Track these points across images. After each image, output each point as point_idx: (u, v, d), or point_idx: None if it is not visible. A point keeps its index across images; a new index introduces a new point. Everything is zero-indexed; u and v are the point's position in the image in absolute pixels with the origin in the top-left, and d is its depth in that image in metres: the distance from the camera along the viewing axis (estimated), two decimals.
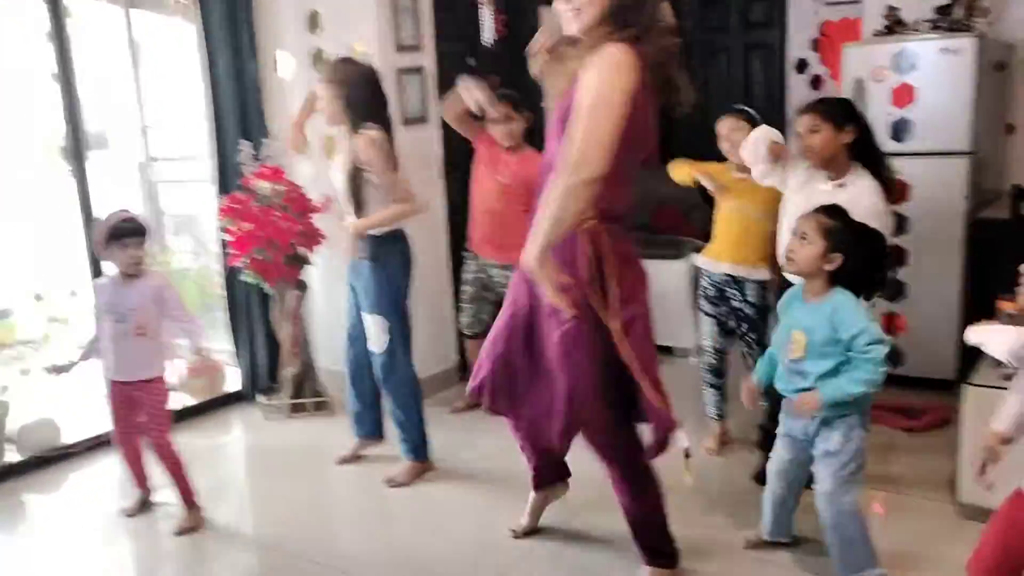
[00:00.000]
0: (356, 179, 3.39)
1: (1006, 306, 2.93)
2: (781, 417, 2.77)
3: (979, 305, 2.68)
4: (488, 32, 4.70)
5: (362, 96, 3.40)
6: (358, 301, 3.60)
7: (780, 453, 2.79)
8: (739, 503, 3.24)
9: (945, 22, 4.40)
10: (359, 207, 3.43)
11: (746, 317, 3.60)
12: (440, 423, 4.04)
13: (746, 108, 3.66)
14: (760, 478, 3.08)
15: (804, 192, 3.01)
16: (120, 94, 4.80)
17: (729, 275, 3.59)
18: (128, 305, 3.23)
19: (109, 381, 3.32)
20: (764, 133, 3.20)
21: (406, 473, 3.63)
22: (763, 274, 3.54)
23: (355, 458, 3.87)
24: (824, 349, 2.53)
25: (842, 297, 2.54)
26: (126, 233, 3.20)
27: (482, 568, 2.95)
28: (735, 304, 3.61)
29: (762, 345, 3.39)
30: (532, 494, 3.14)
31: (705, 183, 3.65)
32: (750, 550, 2.94)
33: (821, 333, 2.53)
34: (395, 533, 3.29)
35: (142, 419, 3.32)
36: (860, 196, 2.86)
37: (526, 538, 3.12)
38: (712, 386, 3.77)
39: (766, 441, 3.09)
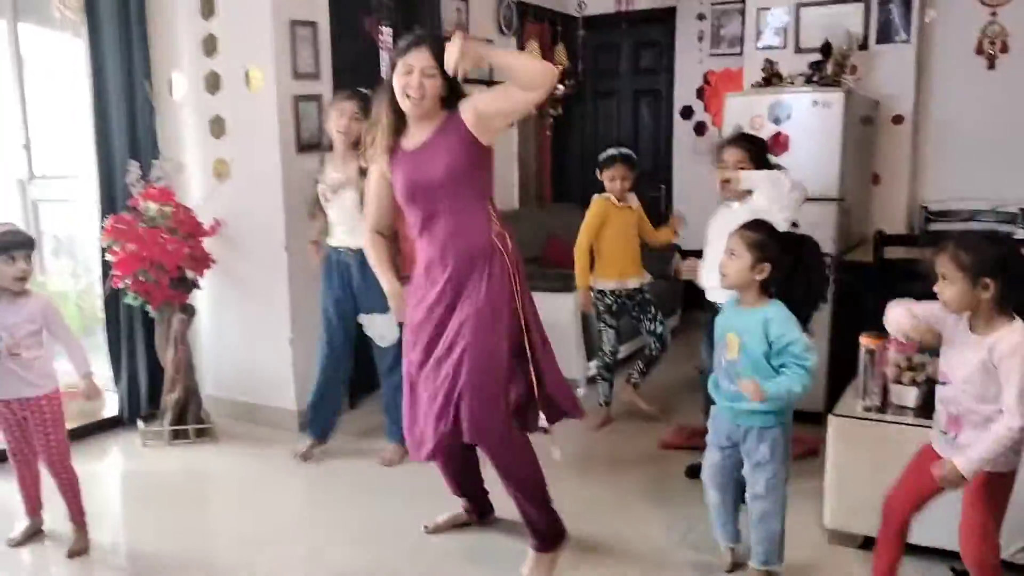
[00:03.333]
0: None
1: (868, 342, 3.12)
2: (709, 424, 2.96)
3: (845, 342, 2.82)
4: (386, 68, 4.85)
5: None
6: (344, 308, 4.00)
7: (710, 459, 2.95)
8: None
9: (817, 77, 4.71)
10: None
11: (650, 306, 4.53)
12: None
13: (628, 153, 4.37)
14: (691, 472, 3.69)
15: (721, 217, 3.43)
16: (2, 109, 4.64)
17: (634, 288, 4.48)
18: (4, 323, 3.06)
19: None
20: None
21: (395, 452, 4.05)
22: (648, 277, 4.55)
23: (310, 456, 4.16)
24: (758, 363, 2.70)
25: (775, 308, 2.71)
26: (13, 246, 3.03)
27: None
28: (642, 304, 4.53)
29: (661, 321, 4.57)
30: (462, 508, 3.36)
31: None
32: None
33: (752, 337, 2.69)
34: (280, 555, 3.24)
35: (39, 439, 3.18)
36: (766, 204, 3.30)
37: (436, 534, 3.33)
38: (605, 379, 4.61)
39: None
